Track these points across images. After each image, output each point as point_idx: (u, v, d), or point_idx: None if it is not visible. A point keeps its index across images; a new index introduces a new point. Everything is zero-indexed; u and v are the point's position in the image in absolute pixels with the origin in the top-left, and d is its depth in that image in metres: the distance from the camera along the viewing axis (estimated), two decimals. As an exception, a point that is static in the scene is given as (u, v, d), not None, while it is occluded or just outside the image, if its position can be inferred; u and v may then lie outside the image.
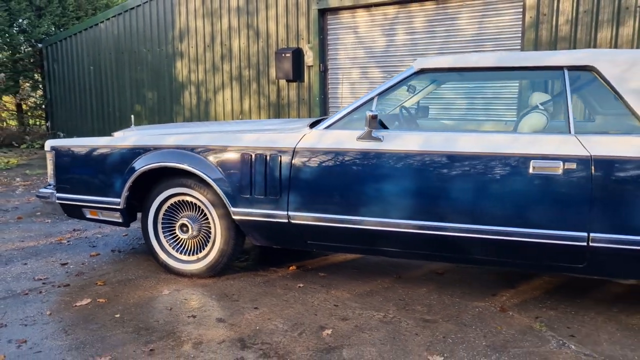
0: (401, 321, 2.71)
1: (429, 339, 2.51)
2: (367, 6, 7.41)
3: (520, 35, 6.28)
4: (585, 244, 2.51)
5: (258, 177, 3.02)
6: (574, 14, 5.84)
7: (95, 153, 3.43)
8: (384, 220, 2.81)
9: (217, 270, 3.30)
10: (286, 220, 3.00)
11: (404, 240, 2.83)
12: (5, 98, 12.08)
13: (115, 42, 10.42)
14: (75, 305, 2.91)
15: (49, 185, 3.63)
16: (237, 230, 3.20)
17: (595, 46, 5.75)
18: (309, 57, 7.93)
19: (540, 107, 2.93)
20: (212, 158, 3.12)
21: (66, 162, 3.52)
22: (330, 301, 2.97)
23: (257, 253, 3.91)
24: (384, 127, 2.96)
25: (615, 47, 5.63)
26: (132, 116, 4.33)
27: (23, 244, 4.13)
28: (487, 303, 2.94)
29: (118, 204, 3.36)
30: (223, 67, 8.98)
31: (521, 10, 6.25)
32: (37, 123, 13.19)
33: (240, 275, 3.40)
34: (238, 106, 8.92)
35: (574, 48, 5.86)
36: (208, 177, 3.10)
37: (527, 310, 2.83)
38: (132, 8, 10.07)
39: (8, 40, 11.95)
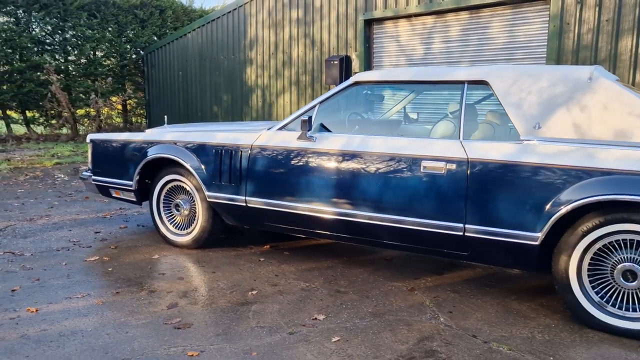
0: (318, 290, 3.27)
1: (327, 304, 3.06)
2: (408, 16, 7.83)
3: (546, 43, 6.38)
4: (461, 234, 2.92)
5: (225, 167, 3.73)
6: (596, 23, 5.87)
7: (118, 145, 4.34)
8: (312, 207, 3.39)
9: (200, 243, 4.06)
10: (244, 204, 3.69)
11: (329, 225, 3.38)
12: (114, 98, 13.93)
13: (199, 50, 11.71)
14: (86, 260, 3.82)
15: (89, 169, 4.63)
16: (214, 211, 3.94)
17: (616, 55, 5.74)
18: (356, 64, 8.50)
19: (450, 115, 3.33)
20: (194, 151, 3.89)
21: (99, 151, 4.48)
22: (275, 272, 3.60)
23: (247, 234, 4.63)
24: (327, 130, 3.53)
25: (636, 56, 5.60)
26: (165, 116, 5.24)
27: (77, 216, 5.21)
28: (403, 284, 3.40)
29: (131, 185, 4.24)
30: (284, 73, 9.83)
31: (548, 19, 6.36)
32: (139, 121, 15.02)
33: (221, 249, 4.13)
34: (296, 109, 9.70)
35: (596, 56, 5.89)
36: (191, 166, 3.87)
37: (432, 292, 3.26)
38: (213, 20, 11.29)
39: (117, 48, 13.79)
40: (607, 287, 2.69)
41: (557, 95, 2.80)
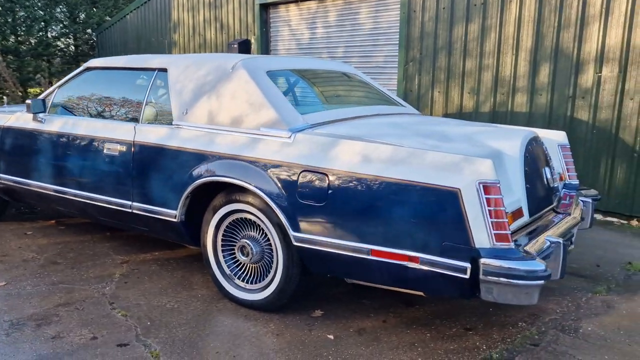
0: (36, 261, 3.55)
1: (25, 273, 3.33)
2: (296, 1, 7.95)
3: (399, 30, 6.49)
4: (130, 210, 3.16)
5: (-14, 146, 4.01)
6: (435, 11, 5.96)
7: None
8: (38, 183, 3.65)
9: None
10: (-1, 181, 3.97)
11: (56, 201, 3.65)
12: (67, 78, 14.29)
13: (136, 32, 11.95)
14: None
15: None
16: None
17: (450, 42, 5.84)
18: (254, 48, 8.67)
19: (153, 101, 3.53)
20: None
21: None
22: (22, 244, 3.88)
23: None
24: (69, 112, 3.77)
25: (465, 42, 5.69)
26: (5, 97, 5.53)
27: None
28: (125, 258, 3.65)
29: None
30: (200, 56, 10.03)
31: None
32: (94, 100, 15.38)
33: (9, 222, 4.43)
34: (210, 91, 9.92)
35: (435, 43, 5.99)
36: (-35, 145, 4.15)
37: (141, 265, 3.50)
38: (146, 2, 11.49)
39: (69, 29, 14.10)
40: (235, 262, 2.92)
41: (206, 84, 2.99)
